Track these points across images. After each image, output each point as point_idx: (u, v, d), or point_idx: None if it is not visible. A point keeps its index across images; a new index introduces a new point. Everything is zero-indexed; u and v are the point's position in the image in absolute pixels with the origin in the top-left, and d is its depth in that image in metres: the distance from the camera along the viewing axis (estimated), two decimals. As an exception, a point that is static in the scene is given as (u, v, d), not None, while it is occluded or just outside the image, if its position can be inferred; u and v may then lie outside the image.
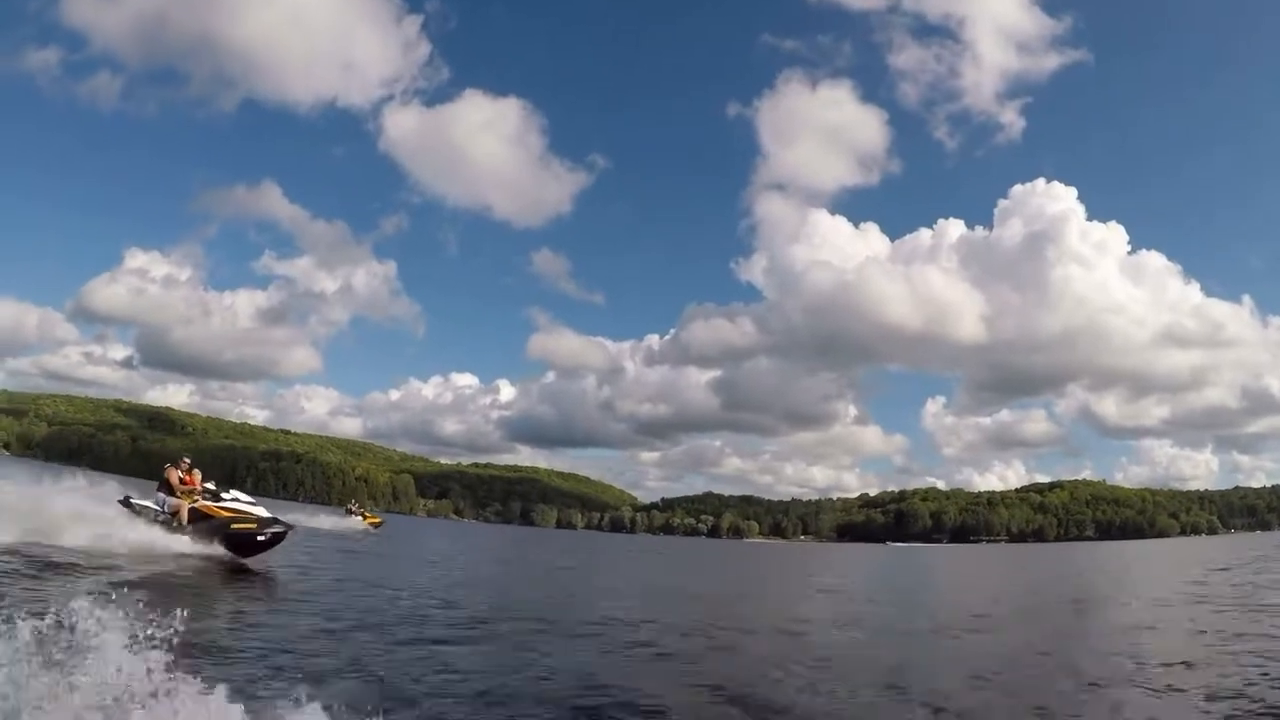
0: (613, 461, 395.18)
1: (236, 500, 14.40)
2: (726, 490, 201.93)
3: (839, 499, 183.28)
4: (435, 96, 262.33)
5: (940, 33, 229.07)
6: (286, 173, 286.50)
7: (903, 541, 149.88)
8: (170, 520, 13.96)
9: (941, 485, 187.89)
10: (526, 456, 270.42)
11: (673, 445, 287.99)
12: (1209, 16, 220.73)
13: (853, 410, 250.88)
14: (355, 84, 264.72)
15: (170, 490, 14.27)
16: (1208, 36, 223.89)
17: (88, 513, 13.72)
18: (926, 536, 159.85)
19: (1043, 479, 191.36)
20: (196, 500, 14.07)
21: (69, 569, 10.05)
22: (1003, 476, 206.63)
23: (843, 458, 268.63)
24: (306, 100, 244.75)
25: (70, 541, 12.22)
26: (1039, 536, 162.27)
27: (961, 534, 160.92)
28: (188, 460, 14.92)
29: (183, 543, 13.44)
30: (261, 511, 14.30)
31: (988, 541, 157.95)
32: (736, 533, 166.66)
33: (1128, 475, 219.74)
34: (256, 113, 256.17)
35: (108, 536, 12.93)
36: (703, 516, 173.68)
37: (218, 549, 13.58)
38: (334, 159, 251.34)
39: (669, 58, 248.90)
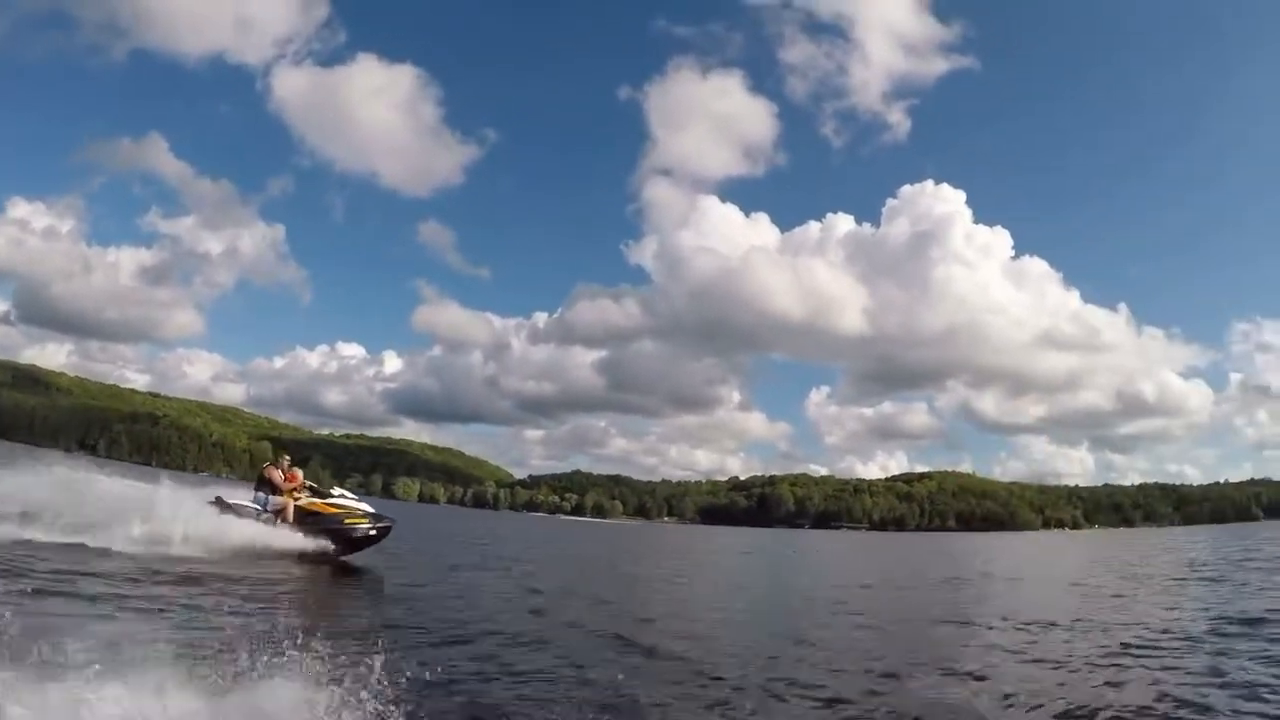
0: (498, 438, 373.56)
1: (344, 497, 14.61)
2: (612, 471, 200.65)
3: (708, 482, 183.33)
4: (329, 58, 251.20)
5: (831, 30, 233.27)
6: (173, 128, 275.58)
7: (766, 526, 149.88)
8: (274, 518, 13.83)
9: (825, 472, 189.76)
10: (411, 430, 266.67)
11: (558, 424, 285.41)
12: (1092, 29, 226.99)
13: (737, 396, 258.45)
14: (249, 41, 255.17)
15: (273, 489, 14.19)
16: (1091, 49, 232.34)
17: (200, 513, 13.36)
18: (790, 521, 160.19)
19: (924, 470, 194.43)
20: (300, 498, 14.13)
21: (217, 578, 10.23)
22: (885, 466, 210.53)
23: (727, 442, 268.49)
24: (195, 53, 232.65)
25: (186, 547, 12.27)
26: (900, 525, 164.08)
27: (824, 520, 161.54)
28: (287, 458, 14.96)
29: (293, 540, 13.44)
30: (367, 507, 14.62)
31: (848, 528, 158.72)
32: (599, 512, 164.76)
33: (1006, 470, 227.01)
34: (146, 64, 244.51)
35: (224, 535, 12.93)
36: (567, 495, 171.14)
37: (325, 545, 13.65)
38: (221, 116, 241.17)
39: (565, 36, 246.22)
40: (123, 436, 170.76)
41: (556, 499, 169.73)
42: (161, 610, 7.62)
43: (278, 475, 14.30)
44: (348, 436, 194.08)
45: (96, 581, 8.73)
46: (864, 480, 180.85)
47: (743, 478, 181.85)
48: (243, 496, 14.48)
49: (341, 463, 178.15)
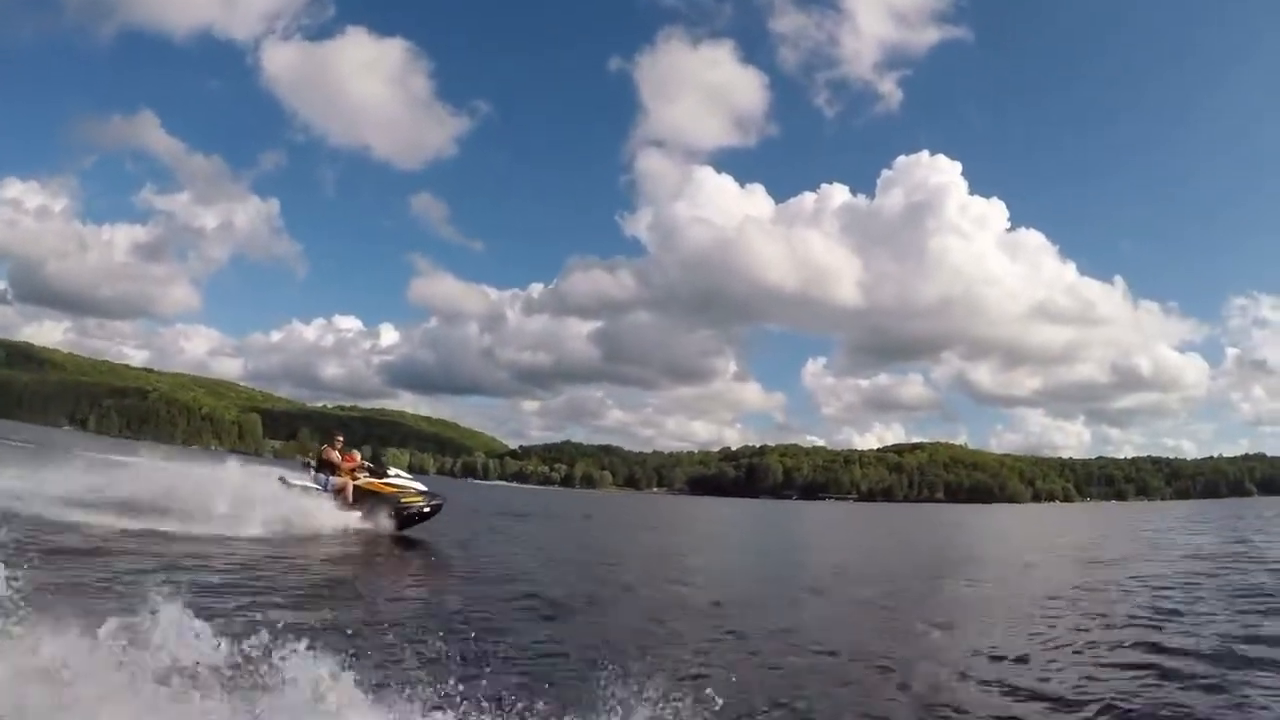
0: (495, 410, 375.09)
1: (399, 476, 15.31)
2: (610, 442, 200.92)
3: (700, 452, 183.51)
4: (318, 33, 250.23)
5: (821, 0, 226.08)
6: (164, 105, 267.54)
7: (754, 496, 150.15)
8: (334, 498, 14.35)
9: (821, 444, 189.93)
10: (408, 402, 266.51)
11: (554, 395, 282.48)
12: (1090, 3, 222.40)
13: (733, 367, 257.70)
14: (236, 16, 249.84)
15: (333, 469, 14.65)
16: (1086, 21, 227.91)
17: (285, 496, 13.99)
18: (777, 492, 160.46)
19: (920, 441, 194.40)
20: (359, 478, 14.69)
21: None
22: (881, 438, 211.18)
23: (723, 413, 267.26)
24: (182, 29, 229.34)
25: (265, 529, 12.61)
26: (888, 496, 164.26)
27: (812, 490, 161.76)
28: (341, 439, 15.51)
29: (353, 519, 14.00)
30: (421, 485, 15.44)
31: (836, 499, 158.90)
32: (589, 482, 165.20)
33: (1002, 442, 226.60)
34: (135, 41, 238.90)
35: (310, 517, 13.59)
36: (556, 466, 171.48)
37: (385, 523, 14.30)
38: (212, 92, 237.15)
39: (555, 6, 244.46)
40: (112, 411, 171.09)
41: (546, 469, 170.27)
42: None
43: (335, 456, 14.85)
44: (341, 408, 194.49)
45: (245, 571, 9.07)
46: (854, 451, 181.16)
47: (735, 449, 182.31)
48: (258, 471, 15.20)
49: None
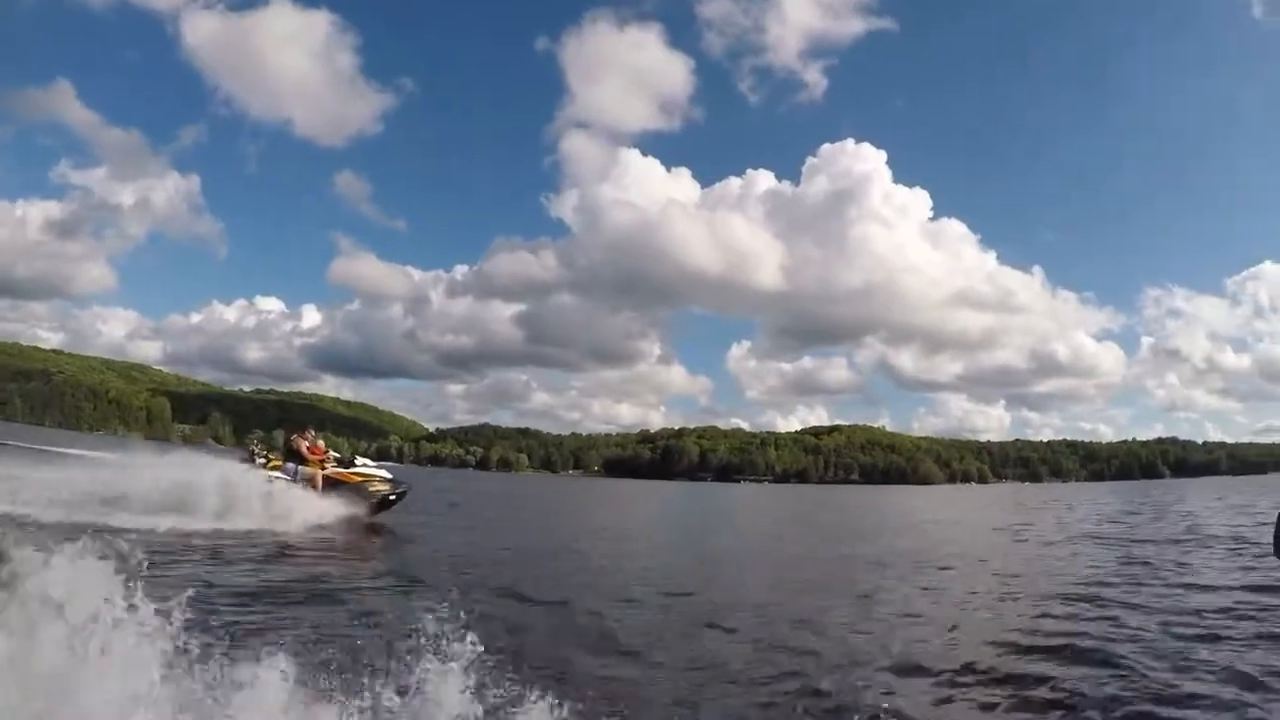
0: (420, 393, 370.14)
1: (365, 465, 15.75)
2: (537, 425, 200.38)
3: (618, 434, 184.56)
4: (241, 3, 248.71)
5: None
6: (81, 75, 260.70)
7: (669, 478, 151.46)
8: (304, 487, 14.56)
9: (746, 426, 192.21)
10: (331, 386, 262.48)
11: (479, 378, 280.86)
12: None
13: (657, 349, 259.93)
14: None
15: (301, 459, 14.90)
16: (1008, 15, 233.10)
17: (267, 488, 13.98)
18: (692, 474, 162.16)
19: (844, 424, 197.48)
20: (328, 468, 14.94)
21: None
22: (805, 421, 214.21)
23: (649, 396, 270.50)
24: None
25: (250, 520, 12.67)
26: (802, 478, 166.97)
27: (727, 472, 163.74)
28: (312, 430, 15.82)
29: (325, 507, 14.10)
30: (385, 473, 15.81)
31: (750, 481, 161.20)
32: (505, 465, 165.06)
33: (924, 425, 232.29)
34: (51, 9, 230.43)
35: (294, 508, 13.65)
36: (472, 448, 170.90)
37: (354, 510, 14.54)
38: (130, 63, 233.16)
39: None
40: (15, 396, 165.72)
41: (462, 452, 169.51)
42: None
43: (304, 446, 15.18)
44: (259, 392, 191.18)
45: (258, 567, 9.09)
46: (772, 433, 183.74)
47: (655, 431, 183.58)
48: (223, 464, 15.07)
49: (248, 419, 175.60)
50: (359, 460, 15.84)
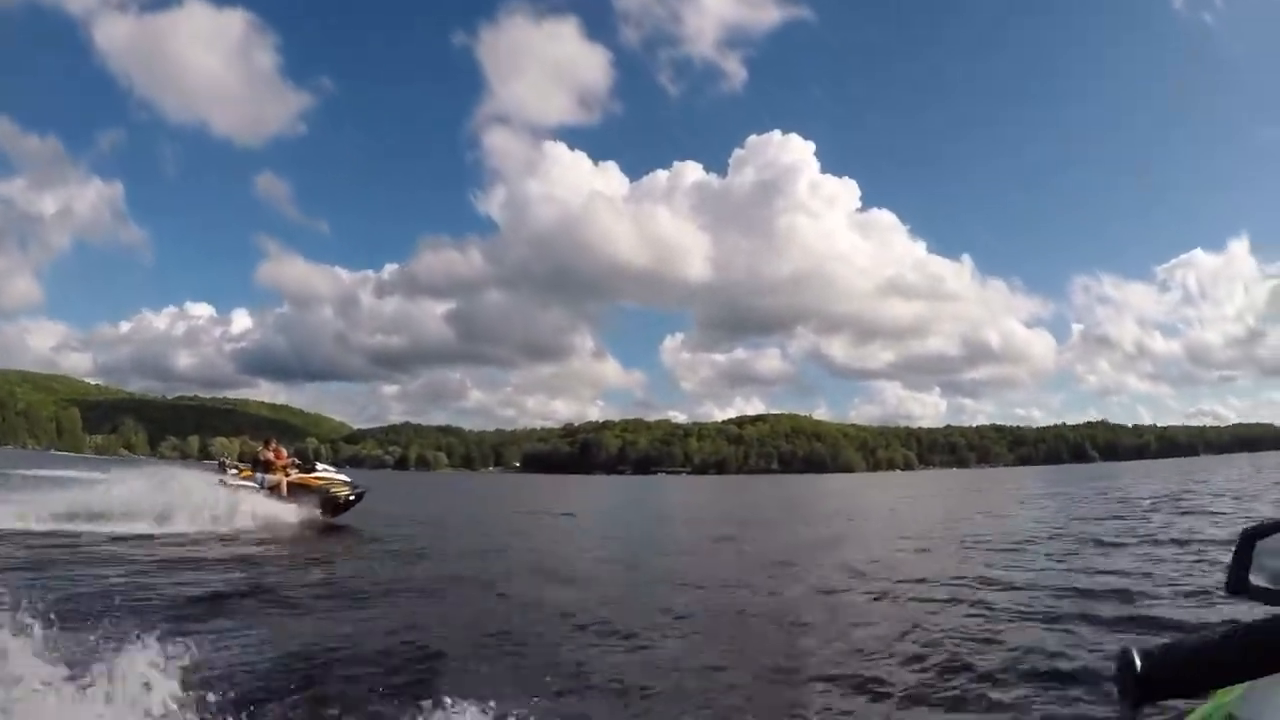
0: (355, 395, 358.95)
1: (326, 470, 17.23)
2: (475, 424, 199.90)
3: (541, 429, 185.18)
4: (154, 4, 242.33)
5: None
6: None
7: (588, 472, 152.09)
8: (271, 493, 15.76)
9: (683, 419, 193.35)
10: (266, 391, 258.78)
11: (412, 378, 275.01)
12: None
13: (590, 344, 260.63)
14: None
15: (267, 468, 16.15)
16: (925, 4, 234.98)
17: (236, 497, 15.17)
18: (611, 467, 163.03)
19: (764, 413, 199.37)
20: (292, 474, 16.18)
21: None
22: (741, 411, 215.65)
23: (584, 391, 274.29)
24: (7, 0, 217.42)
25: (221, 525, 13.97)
26: (720, 469, 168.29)
27: (645, 465, 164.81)
28: (274, 440, 17.18)
29: (291, 510, 15.38)
30: (345, 477, 17.23)
31: (668, 473, 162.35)
32: (424, 464, 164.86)
33: (860, 414, 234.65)
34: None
35: (271, 515, 15.05)
36: (390, 448, 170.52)
37: (316, 512, 15.75)
38: (43, 68, 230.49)
39: None
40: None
41: (380, 452, 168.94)
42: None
43: (268, 455, 16.43)
44: (181, 398, 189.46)
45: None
46: (697, 424, 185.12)
47: (577, 425, 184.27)
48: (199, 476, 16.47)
49: (165, 427, 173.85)
50: (320, 466, 17.33)
